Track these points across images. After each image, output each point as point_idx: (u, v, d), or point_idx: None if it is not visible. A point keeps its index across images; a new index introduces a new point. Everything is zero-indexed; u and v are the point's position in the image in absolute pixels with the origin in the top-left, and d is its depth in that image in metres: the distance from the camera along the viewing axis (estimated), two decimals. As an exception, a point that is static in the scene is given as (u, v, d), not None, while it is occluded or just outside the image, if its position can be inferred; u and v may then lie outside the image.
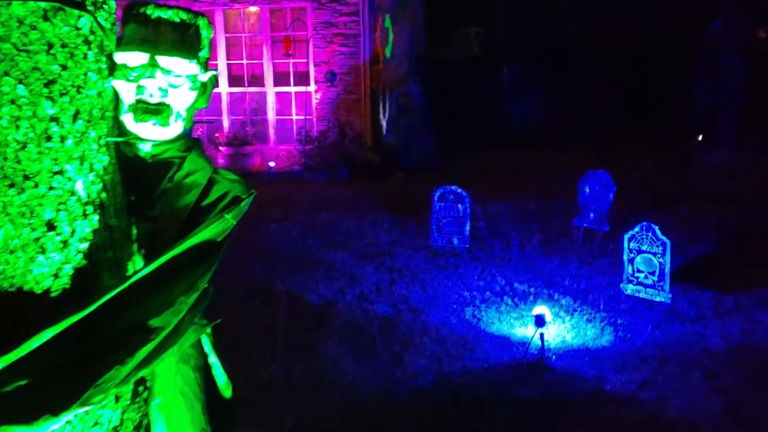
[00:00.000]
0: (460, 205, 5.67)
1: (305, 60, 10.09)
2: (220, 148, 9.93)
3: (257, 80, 10.36)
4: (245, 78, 10.40)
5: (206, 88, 1.43)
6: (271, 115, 10.39)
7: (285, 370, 3.50)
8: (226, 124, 10.44)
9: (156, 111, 1.32)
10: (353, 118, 10.13)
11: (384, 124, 10.37)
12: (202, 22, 1.39)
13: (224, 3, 10.10)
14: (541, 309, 3.79)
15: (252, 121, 10.44)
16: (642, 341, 3.88)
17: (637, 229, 4.45)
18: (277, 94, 10.35)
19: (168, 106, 1.34)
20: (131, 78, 1.30)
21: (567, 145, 11.28)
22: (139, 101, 1.31)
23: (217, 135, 10.11)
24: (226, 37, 10.31)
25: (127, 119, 1.32)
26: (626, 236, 4.52)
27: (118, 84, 1.30)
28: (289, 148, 10.16)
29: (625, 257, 4.53)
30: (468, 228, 5.67)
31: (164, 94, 1.33)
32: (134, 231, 1.35)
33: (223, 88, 10.39)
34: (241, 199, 1.39)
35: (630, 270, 4.49)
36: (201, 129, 10.31)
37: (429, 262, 5.32)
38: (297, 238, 6.06)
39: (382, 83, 10.36)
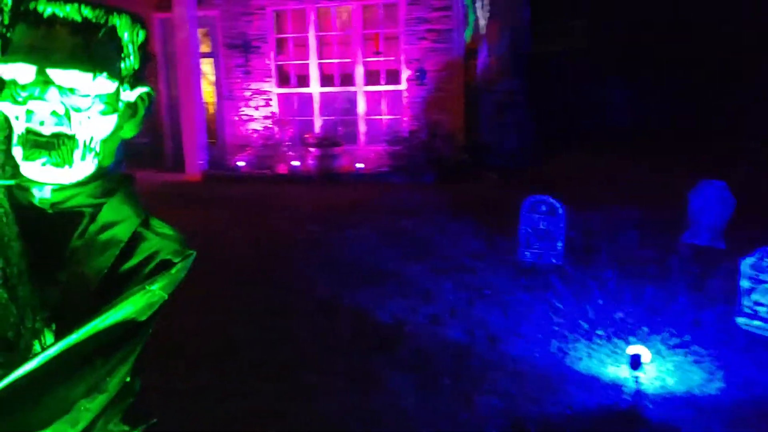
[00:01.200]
0: (553, 217, 5.15)
1: (395, 58, 9.75)
2: (310, 149, 9.78)
3: (347, 79, 10.14)
4: (336, 77, 10.21)
5: (136, 110, 1.07)
6: (360, 116, 10.14)
7: (338, 401, 3.18)
8: (317, 124, 10.29)
9: (48, 145, 0.97)
10: (444, 117, 9.70)
11: (478, 123, 9.87)
12: (119, 21, 1.02)
13: (316, 1, 9.94)
14: (637, 349, 3.25)
15: (342, 122, 10.24)
16: (762, 391, 3.25)
17: (756, 256, 3.78)
18: (367, 93, 10.08)
19: (69, 137, 0.98)
20: (19, 99, 0.96)
21: (669, 147, 10.32)
22: (28, 131, 0.97)
23: (306, 136, 9.98)
24: (317, 36, 10.15)
25: (17, 155, 0.98)
26: (744, 262, 3.86)
27: (6, 108, 0.97)
28: (377, 149, 9.87)
29: (741, 286, 3.87)
30: (561, 243, 5.13)
31: (61, 121, 0.97)
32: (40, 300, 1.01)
33: (315, 88, 10.24)
34: (171, 263, 1.02)
35: (748, 302, 3.83)
36: (291, 129, 10.22)
37: (514, 281, 4.84)
38: (372, 247, 5.73)
39: (477, 80, 9.88)
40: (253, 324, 4.15)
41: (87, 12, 0.99)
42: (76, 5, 0.98)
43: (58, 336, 0.95)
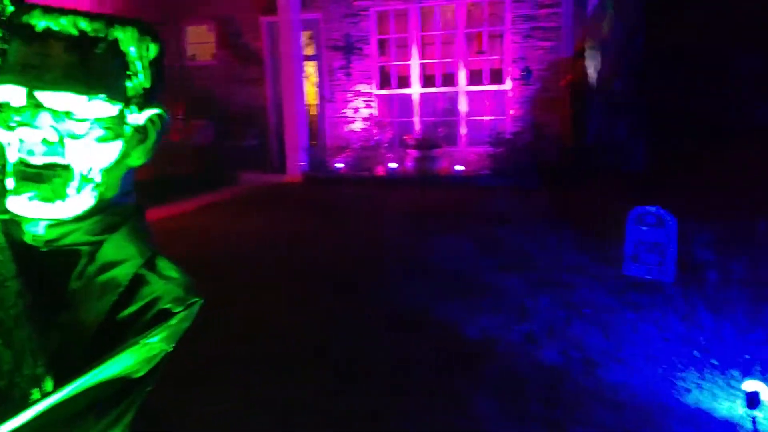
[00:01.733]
0: (662, 229, 4.72)
1: (499, 57, 9.43)
2: (409, 151, 9.65)
3: (449, 80, 9.92)
4: (437, 77, 10.01)
5: (146, 135, 0.94)
6: (462, 116, 9.90)
7: (414, 424, 3.00)
8: (417, 126, 10.15)
9: (37, 177, 0.85)
10: (551, 118, 9.28)
11: (587, 124, 9.36)
12: (123, 34, 0.89)
13: (420, 0, 9.80)
14: (756, 384, 2.86)
15: (443, 123, 10.04)
16: None
17: None
18: (469, 93, 9.82)
19: (63, 167, 0.87)
20: (11, 125, 0.85)
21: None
22: (21, 161, 0.86)
23: (406, 137, 9.86)
24: (419, 36, 10.00)
25: (9, 187, 0.87)
26: None
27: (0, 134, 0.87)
28: (479, 150, 9.59)
29: None
30: (672, 257, 4.70)
31: (53, 150, 0.85)
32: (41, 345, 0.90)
33: (415, 89, 10.10)
34: (171, 313, 0.89)
35: None
36: (391, 131, 10.13)
37: (618, 298, 4.46)
38: (466, 255, 5.50)
39: (587, 79, 9.38)
40: (332, 332, 4.05)
41: (84, 24, 0.86)
42: (71, 17, 0.86)
43: (59, 383, 0.84)
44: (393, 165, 9.72)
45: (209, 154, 9.89)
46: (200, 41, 11.54)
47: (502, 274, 4.99)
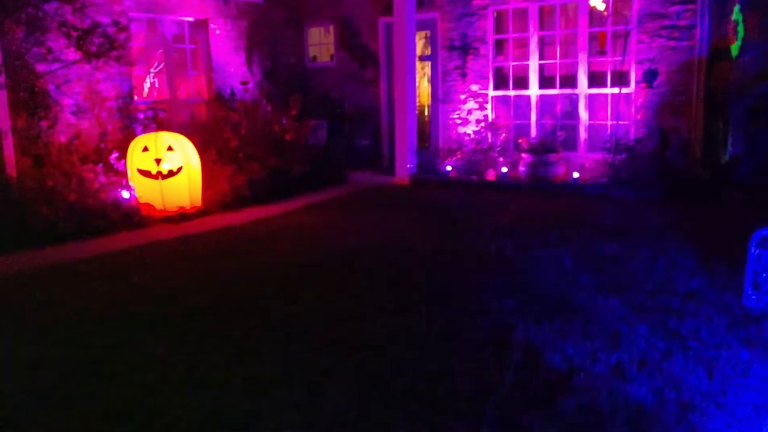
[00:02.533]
0: (792, 256, 4.12)
1: (622, 57, 8.79)
2: (522, 155, 9.25)
3: (569, 81, 9.40)
4: (556, 79, 9.52)
5: None
6: (582, 120, 9.35)
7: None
8: (533, 129, 9.72)
9: None
10: (680, 124, 8.54)
11: (722, 132, 8.53)
12: None
13: (540, -2, 9.36)
14: None
15: (560, 126, 9.53)
16: None
17: None
18: (590, 96, 9.26)
19: None
20: None
21: None
22: None
23: (520, 141, 9.46)
24: (539, 35, 9.56)
25: None
26: None
27: None
28: (597, 157, 9.01)
29: None
30: (802, 288, 4.09)
31: None
32: None
33: (533, 90, 9.67)
34: None
35: None
36: (505, 133, 9.77)
37: (731, 331, 3.94)
38: (566, 272, 5.11)
39: (724, 83, 8.53)
40: (409, 346, 3.86)
41: None
42: None
43: None
44: (504, 169, 9.36)
45: (321, 154, 10.01)
46: (320, 42, 11.73)
47: (602, 294, 4.58)
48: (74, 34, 7.03)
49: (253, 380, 3.41)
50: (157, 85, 10.06)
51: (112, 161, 8.09)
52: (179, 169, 7.61)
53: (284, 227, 6.94)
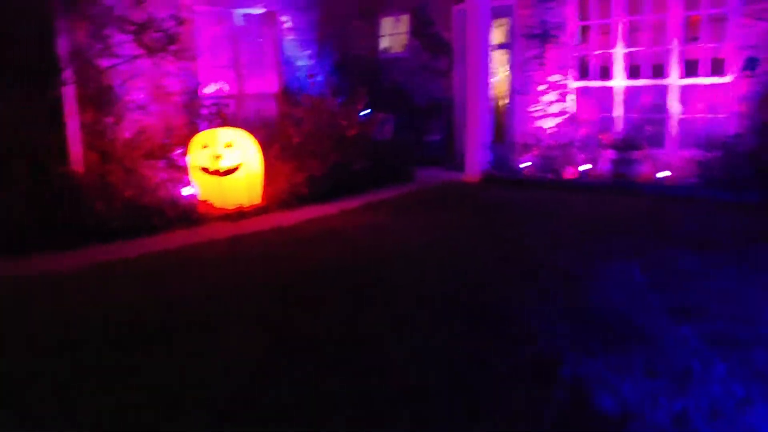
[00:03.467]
0: None
1: (720, 44, 7.86)
2: (605, 152, 8.50)
3: (659, 71, 8.55)
4: (645, 68, 8.69)
5: None
6: (672, 114, 8.48)
7: None
8: (617, 123, 8.93)
9: None
10: (787, 118, 7.54)
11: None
12: None
13: (628, -20, 8.55)
14: None
15: (648, 120, 8.69)
16: None
17: None
18: (683, 87, 8.38)
19: None
20: None
21: None
22: None
23: (602, 136, 8.70)
24: (626, 21, 8.74)
25: None
26: None
27: None
28: (688, 154, 8.15)
29: None
30: None
31: None
32: None
33: (618, 81, 8.88)
34: None
35: None
36: (586, 128, 9.03)
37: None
38: (635, 291, 4.48)
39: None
40: (432, 371, 3.41)
41: None
42: None
43: None
44: (585, 167, 8.64)
45: (386, 150, 9.62)
46: (393, 33, 11.32)
47: (675, 320, 3.95)
48: (130, 28, 6.93)
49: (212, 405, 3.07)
50: (224, 79, 9.99)
51: (175, 157, 8.04)
52: (238, 167, 7.43)
53: (333, 229, 6.60)
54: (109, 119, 8.26)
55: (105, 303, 4.58)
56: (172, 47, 7.33)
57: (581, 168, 8.64)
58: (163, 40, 7.18)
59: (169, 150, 8.29)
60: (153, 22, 7.04)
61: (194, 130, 8.70)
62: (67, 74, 7.46)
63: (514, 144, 9.80)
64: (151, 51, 7.16)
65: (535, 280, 4.82)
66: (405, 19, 11.05)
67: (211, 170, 7.38)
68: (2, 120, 7.13)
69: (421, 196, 8.24)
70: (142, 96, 8.62)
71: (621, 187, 8.02)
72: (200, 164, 7.46)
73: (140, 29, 6.93)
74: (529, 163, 9.08)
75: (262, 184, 7.81)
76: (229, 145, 7.40)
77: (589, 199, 7.66)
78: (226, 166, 7.37)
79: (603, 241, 5.77)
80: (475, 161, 9.15)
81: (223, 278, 5.11)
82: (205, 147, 7.44)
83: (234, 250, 6.00)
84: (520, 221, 6.71)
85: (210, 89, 9.87)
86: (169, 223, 7.01)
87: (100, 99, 8.08)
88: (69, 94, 7.75)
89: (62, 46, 7.40)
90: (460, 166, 9.78)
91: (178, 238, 6.58)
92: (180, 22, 7.51)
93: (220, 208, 7.44)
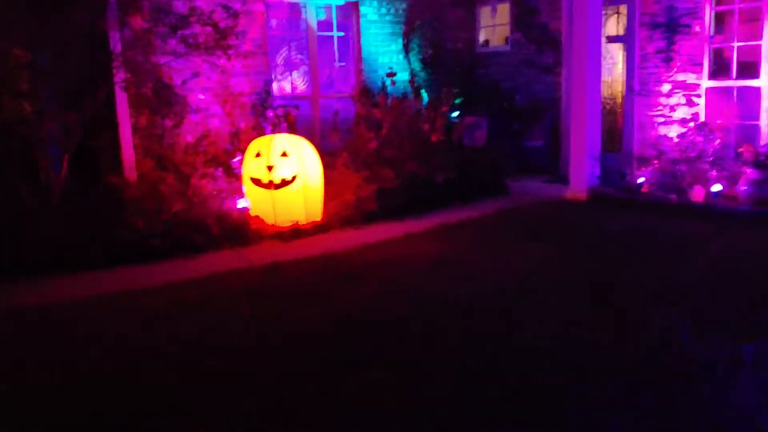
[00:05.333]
0: None
1: None
2: (745, 169, 6.81)
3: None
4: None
5: None
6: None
7: None
8: (763, 133, 7.18)
9: None
10: None
11: None
12: None
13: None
14: None
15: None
16: None
17: None
18: None
19: None
20: None
21: None
22: None
23: (742, 150, 6.99)
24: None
25: None
26: None
27: None
28: None
29: None
30: None
31: None
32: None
33: (766, 80, 7.13)
34: None
35: None
36: (721, 138, 7.35)
37: None
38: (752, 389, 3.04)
39: None
40: None
41: None
42: None
43: None
44: (717, 188, 6.98)
45: (477, 158, 8.37)
46: (494, 24, 10.00)
47: None
48: (170, 21, 6.11)
49: None
50: (298, 78, 9.15)
51: (234, 165, 7.27)
52: (294, 178, 6.51)
53: (390, 260, 5.49)
54: (168, 122, 7.62)
55: (55, 358, 3.76)
56: (225, 42, 6.47)
57: (713, 188, 6.98)
58: (212, 35, 6.35)
59: (231, 156, 7.54)
60: (196, 14, 6.18)
61: (261, 134, 7.90)
62: (119, 72, 6.84)
63: (629, 154, 8.25)
64: (197, 47, 6.33)
65: (623, 361, 3.46)
66: (505, 7, 9.70)
67: (263, 182, 6.50)
68: (49, 122, 6.60)
69: (512, 218, 6.92)
70: (206, 97, 7.92)
71: (765, 217, 6.34)
72: (252, 175, 6.61)
73: (180, 22, 6.09)
74: (646, 180, 7.51)
75: (323, 198, 6.85)
76: (284, 155, 6.49)
77: (722, 231, 6.05)
78: (280, 178, 6.46)
79: (733, 303, 4.27)
80: (581, 175, 7.71)
81: (232, 325, 4.17)
82: (258, 156, 6.57)
83: (267, 282, 5.06)
84: (626, 261, 5.28)
85: (282, 89, 9.06)
86: (215, 241, 6.20)
87: (157, 100, 7.44)
88: (121, 93, 7.15)
89: (114, 40, 6.78)
90: (565, 178, 8.36)
91: (217, 261, 5.76)
92: (233, 14, 6.65)
93: (272, 225, 6.56)
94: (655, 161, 7.61)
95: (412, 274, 5.10)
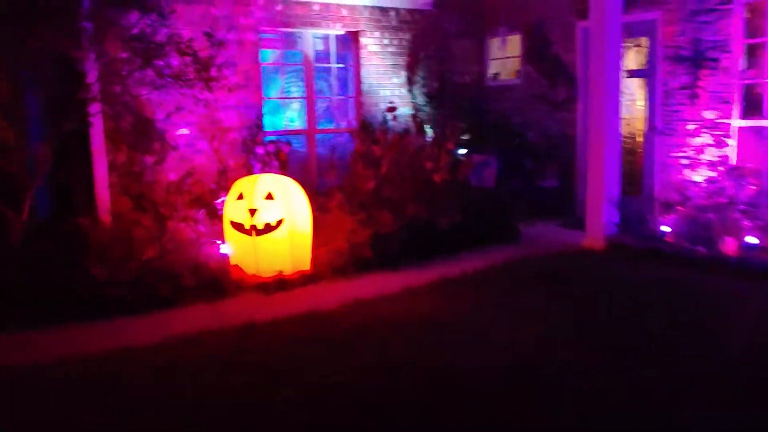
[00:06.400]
0: None
1: None
2: (782, 216, 6.10)
3: None
4: None
5: None
6: None
7: None
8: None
9: None
10: None
11: None
12: None
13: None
14: None
15: None
16: None
17: None
18: None
19: None
20: None
21: None
22: None
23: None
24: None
25: None
26: None
27: None
28: None
29: None
30: None
31: None
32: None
33: (804, 118, 6.44)
34: None
35: None
36: (755, 183, 6.65)
37: None
38: None
39: None
40: None
41: None
42: None
43: None
44: (752, 240, 6.26)
45: (485, 199, 7.70)
46: (503, 56, 9.41)
47: None
48: (138, 47, 5.51)
49: None
50: (293, 112, 8.58)
51: (219, 206, 6.65)
52: (279, 223, 5.86)
53: (385, 323, 4.79)
54: (149, 158, 7.03)
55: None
56: (207, 74, 5.87)
57: (748, 240, 6.26)
58: (191, 65, 5.76)
59: (217, 197, 6.93)
60: (173, 42, 5.58)
61: (251, 172, 7.30)
62: (94, 104, 6.26)
63: (650, 198, 7.55)
64: (176, 79, 5.73)
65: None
66: (517, 39, 9.12)
67: (245, 227, 5.86)
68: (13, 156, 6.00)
69: (524, 272, 6.17)
70: (190, 132, 7.34)
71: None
72: (233, 219, 5.97)
73: (155, 51, 5.49)
74: (672, 229, 6.79)
75: (312, 244, 6.19)
76: (270, 197, 5.86)
77: (760, 292, 5.31)
78: (263, 222, 5.82)
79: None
80: (598, 221, 7.01)
81: (168, 412, 3.47)
82: (240, 198, 5.94)
83: (236, 350, 4.37)
84: (649, 330, 4.54)
85: (275, 124, 8.49)
86: (187, 294, 5.55)
87: (137, 135, 6.86)
88: (97, 127, 6.58)
89: (89, 68, 6.20)
90: (580, 222, 7.67)
91: (185, 319, 5.11)
92: (216, 43, 6.06)
93: (253, 276, 5.91)
94: (680, 207, 6.90)
95: (408, 342, 4.40)
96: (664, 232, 6.83)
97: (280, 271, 5.92)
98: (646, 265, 6.28)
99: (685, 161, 7.31)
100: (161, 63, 5.64)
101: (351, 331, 4.62)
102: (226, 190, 6.74)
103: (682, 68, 7.23)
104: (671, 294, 5.33)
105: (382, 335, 4.53)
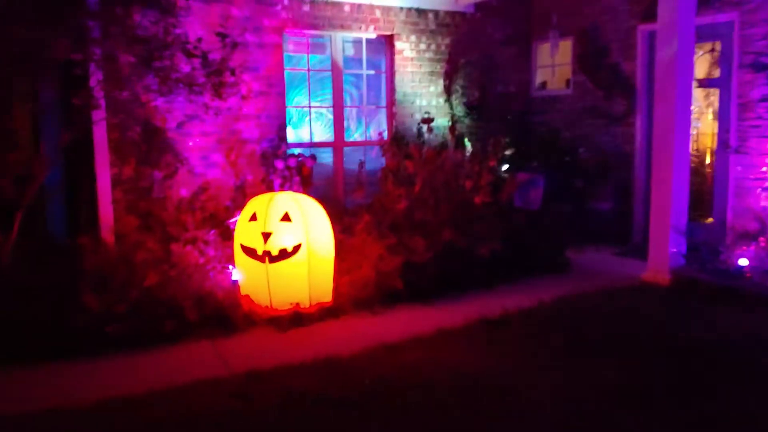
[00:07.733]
0: None
1: None
2: None
3: None
4: None
5: None
6: None
7: None
8: None
9: None
10: None
11: None
12: None
13: None
14: None
15: None
16: None
17: None
18: None
19: None
20: None
21: None
22: None
23: None
24: None
25: None
26: None
27: None
28: None
29: None
30: None
31: None
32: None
33: None
34: None
35: None
36: None
37: None
38: None
39: None
40: None
41: None
42: None
43: None
44: None
45: (531, 224, 6.85)
46: (552, 63, 8.57)
47: None
48: (137, 49, 4.84)
49: None
50: (320, 123, 7.88)
51: (233, 226, 5.95)
52: (296, 249, 5.12)
53: (412, 377, 3.98)
54: (158, 172, 6.38)
55: None
56: (218, 79, 5.18)
57: None
58: (200, 69, 5.07)
59: (230, 215, 6.25)
60: (179, 42, 4.90)
61: (270, 188, 6.61)
62: (98, 110, 5.63)
63: (721, 226, 6.62)
64: (185, 84, 5.05)
65: None
66: (568, 45, 8.27)
67: (258, 253, 5.13)
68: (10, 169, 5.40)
69: (575, 313, 5.27)
70: (205, 143, 6.68)
71: None
72: (243, 243, 5.26)
73: (154, 51, 4.81)
74: (750, 262, 5.86)
75: (334, 272, 5.44)
76: (286, 218, 5.13)
77: None
78: (278, 248, 5.08)
79: None
80: (663, 252, 6.10)
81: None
82: (253, 219, 5.23)
83: (231, 411, 3.61)
84: (729, 400, 3.65)
85: (299, 136, 7.79)
86: (190, 329, 4.85)
87: (146, 146, 6.23)
88: (99, 138, 5.95)
89: (92, 71, 5.57)
90: (639, 250, 6.79)
91: (183, 361, 4.41)
92: (230, 45, 5.37)
93: (266, 308, 5.18)
94: (761, 238, 5.95)
95: (437, 407, 3.59)
96: (741, 267, 5.88)
97: (297, 304, 5.18)
98: (722, 305, 5.35)
99: (765, 184, 6.37)
100: (167, 65, 4.95)
101: (371, 387, 3.83)
102: (240, 209, 6.06)
103: (762, 78, 6.31)
104: (741, 345, 4.41)
105: (407, 395, 3.73)
